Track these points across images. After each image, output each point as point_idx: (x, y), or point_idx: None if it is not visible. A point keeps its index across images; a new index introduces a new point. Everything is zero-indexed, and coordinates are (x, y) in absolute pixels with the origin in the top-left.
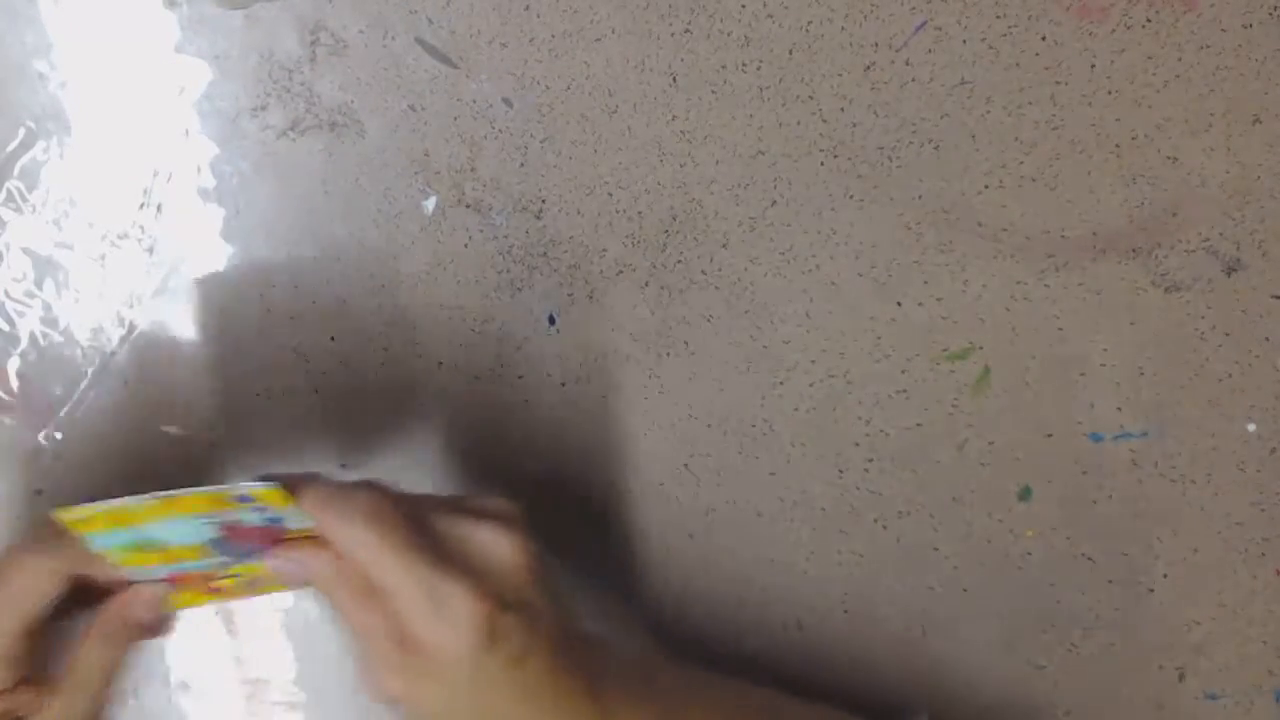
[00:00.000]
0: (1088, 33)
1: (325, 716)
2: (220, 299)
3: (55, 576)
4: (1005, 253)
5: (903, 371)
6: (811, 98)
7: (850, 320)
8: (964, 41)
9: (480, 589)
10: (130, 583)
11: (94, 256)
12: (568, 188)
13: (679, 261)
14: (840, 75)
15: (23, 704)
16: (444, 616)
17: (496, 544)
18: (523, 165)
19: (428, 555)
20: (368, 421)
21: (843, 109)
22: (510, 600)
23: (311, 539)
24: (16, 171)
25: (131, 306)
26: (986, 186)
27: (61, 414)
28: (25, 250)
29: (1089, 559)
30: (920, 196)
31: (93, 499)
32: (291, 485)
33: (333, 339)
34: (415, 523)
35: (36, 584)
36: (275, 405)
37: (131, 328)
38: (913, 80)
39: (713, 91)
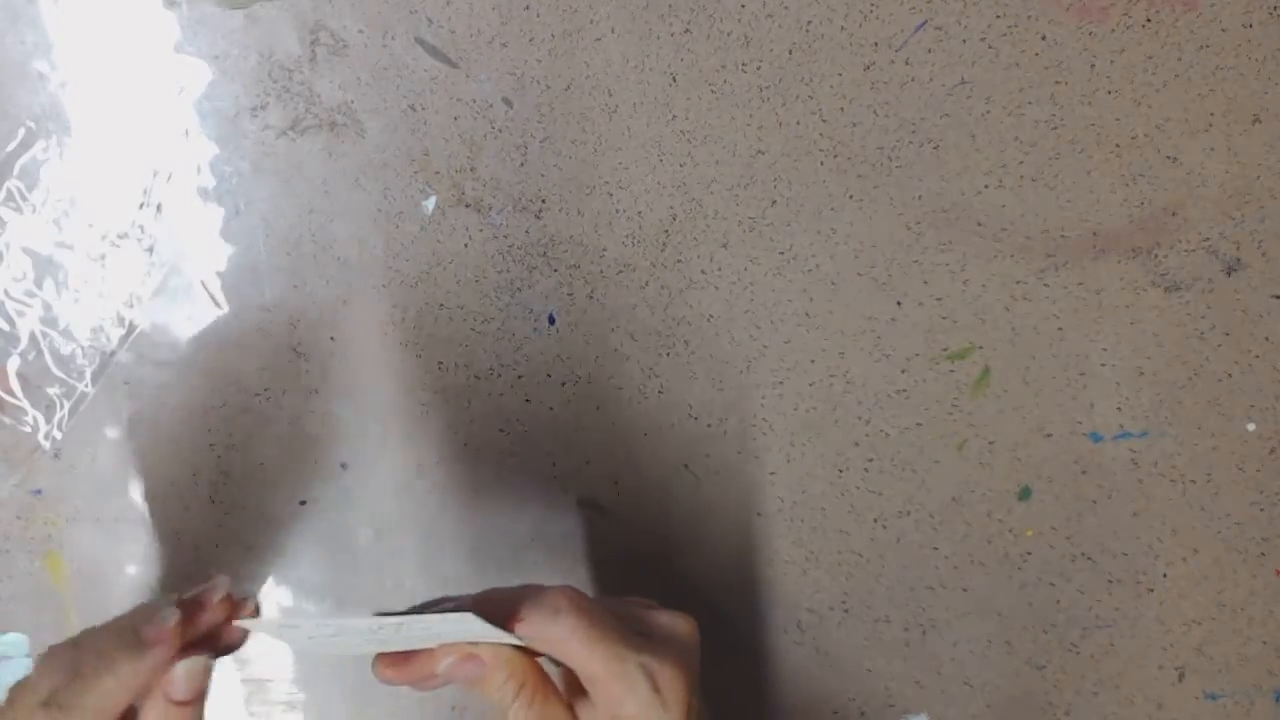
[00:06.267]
0: (1088, 33)
1: (325, 716)
2: (220, 299)
3: (121, 702)
4: (1005, 253)
5: (903, 371)
6: (811, 98)
7: (850, 320)
8: (964, 41)
9: (685, 668)
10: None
11: (94, 256)
12: (568, 188)
13: (679, 261)
14: (840, 75)
15: None
16: (659, 697)
17: (675, 625)
18: (523, 165)
19: (635, 639)
20: (368, 422)
21: (843, 109)
22: (697, 687)
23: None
24: (16, 171)
25: (131, 306)
26: (986, 186)
27: (61, 414)
28: (25, 250)
29: (1089, 559)
30: (920, 196)
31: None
32: (477, 606)
33: (332, 339)
34: (608, 612)
35: (104, 704)
36: (275, 405)
37: (131, 328)
38: (913, 80)
39: (713, 91)
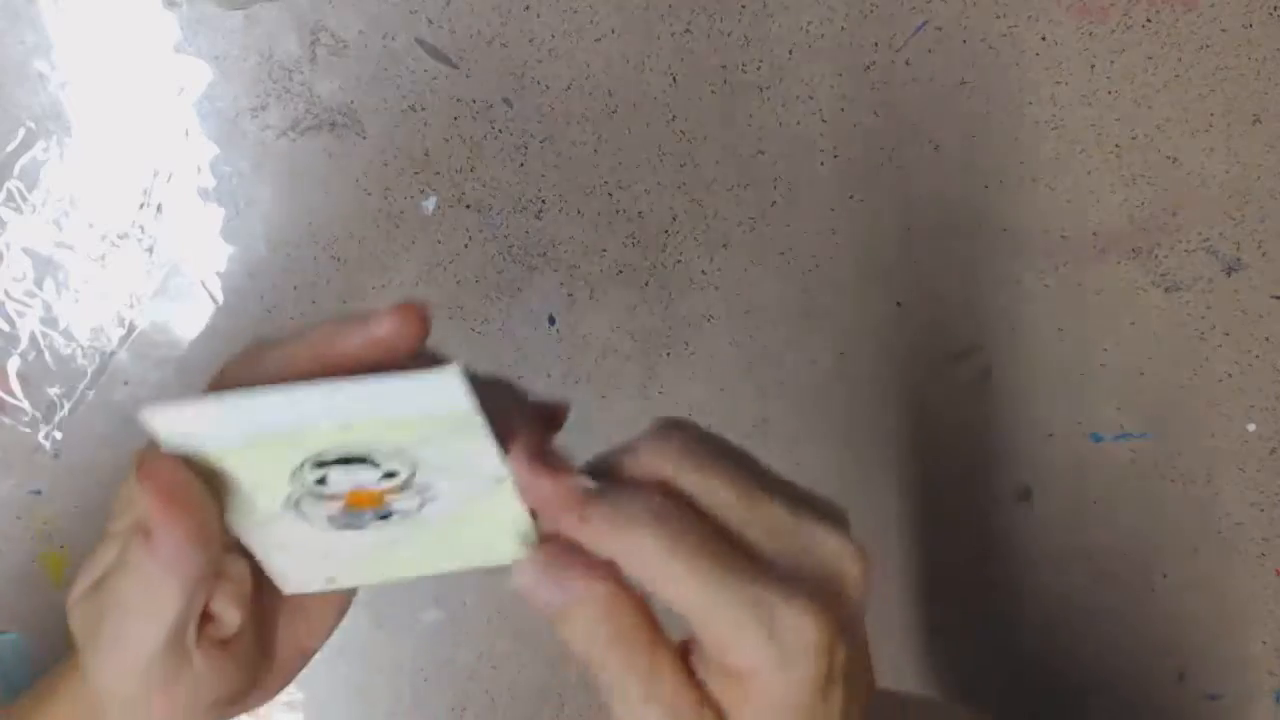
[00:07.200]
0: (1088, 33)
1: (325, 716)
2: (220, 299)
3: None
4: (1005, 253)
5: (903, 371)
6: (811, 98)
7: (850, 320)
8: (964, 41)
9: (820, 610)
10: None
11: (94, 256)
12: (568, 188)
13: (679, 261)
14: (840, 75)
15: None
16: (776, 647)
17: (840, 557)
18: (523, 165)
19: (746, 565)
20: None
21: (843, 109)
22: (848, 634)
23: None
24: (16, 171)
25: (131, 306)
26: (986, 186)
27: (61, 414)
28: (25, 250)
29: (1089, 559)
30: (920, 196)
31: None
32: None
33: None
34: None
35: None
36: None
37: (131, 328)
38: (913, 80)
39: (713, 91)
